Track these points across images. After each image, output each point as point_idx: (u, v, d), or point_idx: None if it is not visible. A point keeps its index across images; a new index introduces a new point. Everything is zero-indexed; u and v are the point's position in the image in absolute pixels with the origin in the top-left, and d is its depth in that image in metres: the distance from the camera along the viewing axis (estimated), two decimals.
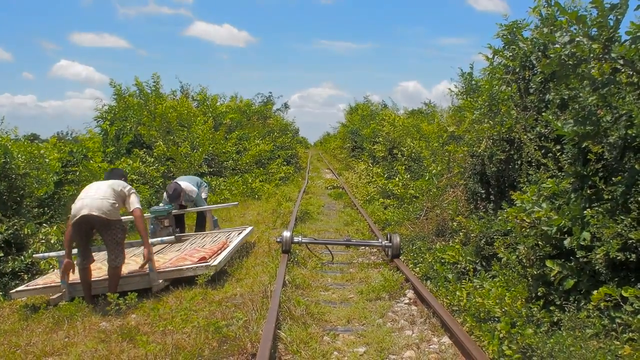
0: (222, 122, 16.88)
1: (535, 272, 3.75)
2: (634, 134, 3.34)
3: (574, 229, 3.44)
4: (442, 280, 4.92)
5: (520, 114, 5.32)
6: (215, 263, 5.28)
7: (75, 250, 4.87)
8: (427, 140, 11.21)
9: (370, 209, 10.25)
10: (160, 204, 7.29)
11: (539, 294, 3.67)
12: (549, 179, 3.94)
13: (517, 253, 4.10)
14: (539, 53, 5.20)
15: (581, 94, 3.67)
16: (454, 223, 6.24)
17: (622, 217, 3.24)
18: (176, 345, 3.61)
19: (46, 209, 7.39)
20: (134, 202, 4.98)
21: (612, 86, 3.41)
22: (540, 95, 5.27)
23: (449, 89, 8.20)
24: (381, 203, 10.51)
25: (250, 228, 7.36)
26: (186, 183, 7.41)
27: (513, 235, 4.35)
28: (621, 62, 3.28)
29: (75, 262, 4.85)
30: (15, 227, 6.16)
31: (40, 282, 5.31)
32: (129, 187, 5.11)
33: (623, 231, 3.17)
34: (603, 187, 3.51)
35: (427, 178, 8.18)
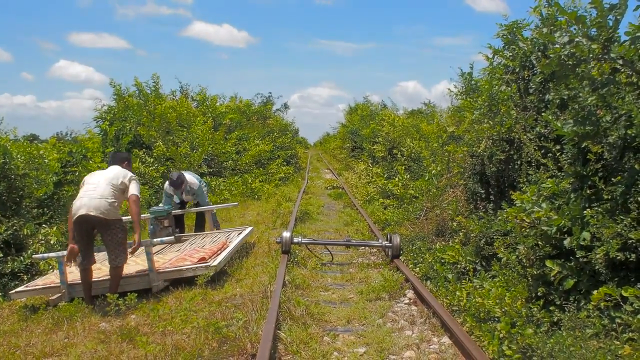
0: (221, 123, 16.87)
1: (535, 272, 3.75)
2: (633, 134, 3.34)
3: (573, 229, 3.44)
4: (442, 280, 4.92)
5: (520, 114, 5.32)
6: (215, 263, 5.28)
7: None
8: (426, 140, 11.21)
9: (370, 209, 10.25)
10: (160, 204, 7.30)
11: (539, 294, 3.67)
12: (548, 179, 3.94)
13: (517, 253, 4.10)
14: (539, 53, 5.20)
15: (581, 94, 3.67)
16: (454, 223, 6.24)
17: (621, 217, 3.24)
18: (176, 346, 3.60)
19: (45, 209, 7.37)
20: (133, 188, 4.89)
21: (612, 86, 3.41)
22: (540, 95, 5.27)
23: (449, 89, 8.18)
24: (381, 203, 10.50)
25: (250, 228, 7.36)
26: (189, 175, 7.43)
27: (513, 235, 4.35)
28: (620, 62, 3.28)
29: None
30: (14, 227, 6.15)
31: (39, 282, 5.31)
32: (130, 175, 5.00)
33: (623, 231, 3.17)
34: (603, 187, 3.51)
35: (426, 178, 8.18)
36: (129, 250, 4.92)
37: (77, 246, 4.71)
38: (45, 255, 5.62)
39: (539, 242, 3.76)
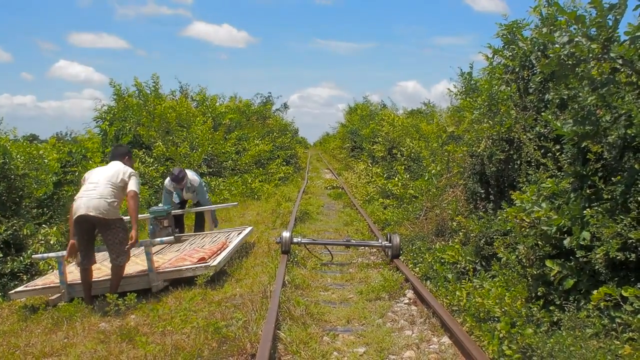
0: (221, 123, 16.87)
1: (535, 272, 3.75)
2: (633, 134, 3.34)
3: (573, 228, 3.44)
4: (442, 280, 4.92)
5: (519, 114, 5.32)
6: (215, 263, 5.27)
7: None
8: (426, 140, 11.22)
9: (369, 209, 10.25)
10: (160, 204, 7.29)
11: (538, 293, 3.67)
12: (548, 179, 3.94)
13: (516, 253, 4.10)
14: (539, 53, 5.20)
15: (580, 94, 3.67)
16: (454, 223, 6.24)
17: (621, 216, 3.24)
18: (175, 346, 3.60)
19: (45, 209, 7.38)
20: (132, 184, 4.86)
21: (611, 86, 3.41)
22: (540, 95, 5.27)
23: (448, 89, 8.17)
24: (381, 203, 10.50)
25: (249, 228, 7.36)
26: (190, 172, 7.44)
27: (513, 235, 4.35)
28: (620, 62, 3.28)
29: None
30: (14, 227, 6.16)
31: (39, 282, 5.31)
32: (130, 171, 4.96)
33: (623, 231, 3.17)
34: (602, 186, 3.51)
35: (426, 178, 8.18)
36: (126, 247, 4.87)
37: (79, 248, 4.72)
38: (45, 255, 5.62)
39: (539, 242, 3.76)
